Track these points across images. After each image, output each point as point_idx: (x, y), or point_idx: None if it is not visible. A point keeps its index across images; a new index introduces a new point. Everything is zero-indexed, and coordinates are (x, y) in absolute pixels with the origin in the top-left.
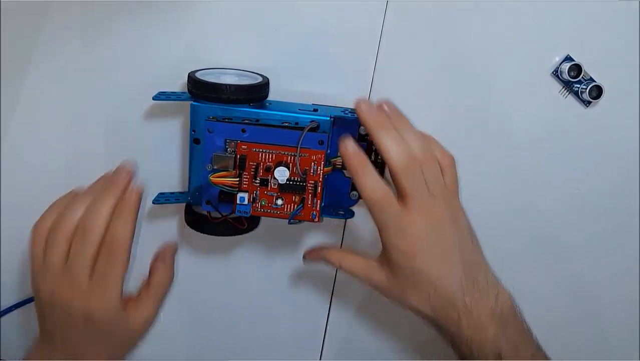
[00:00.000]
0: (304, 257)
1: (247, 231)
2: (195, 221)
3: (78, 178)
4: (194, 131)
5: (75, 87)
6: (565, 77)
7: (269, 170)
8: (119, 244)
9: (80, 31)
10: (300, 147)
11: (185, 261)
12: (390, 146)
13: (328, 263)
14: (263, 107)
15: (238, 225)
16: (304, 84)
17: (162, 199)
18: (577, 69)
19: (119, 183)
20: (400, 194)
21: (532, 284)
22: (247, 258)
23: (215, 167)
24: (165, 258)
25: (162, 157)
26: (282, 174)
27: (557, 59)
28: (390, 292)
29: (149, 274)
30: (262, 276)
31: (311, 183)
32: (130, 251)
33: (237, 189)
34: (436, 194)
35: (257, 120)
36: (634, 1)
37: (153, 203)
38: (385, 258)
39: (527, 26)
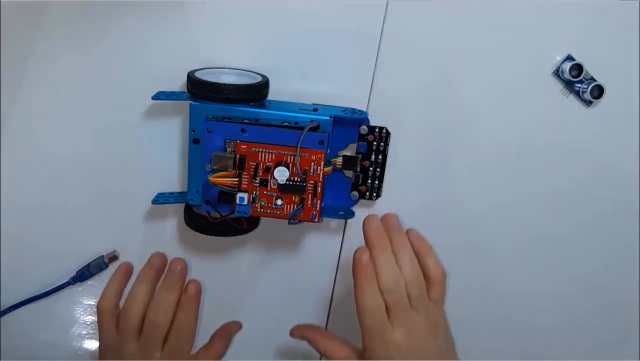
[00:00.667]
0: (290, 333)
1: (247, 232)
2: (195, 221)
3: (78, 178)
4: (193, 130)
5: (74, 86)
6: (567, 77)
7: (269, 170)
8: (186, 331)
9: (80, 30)
10: (300, 147)
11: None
12: (383, 267)
13: (312, 346)
14: (263, 106)
15: (237, 225)
16: (304, 84)
17: (162, 199)
18: (578, 68)
19: (179, 277)
20: (386, 307)
21: (532, 284)
22: (247, 258)
23: (214, 167)
24: (228, 334)
25: (161, 157)
26: (281, 174)
27: (558, 58)
28: None
29: (210, 341)
30: (261, 276)
31: (311, 183)
32: (194, 336)
33: (236, 189)
34: (419, 309)
35: (257, 120)
36: (634, 1)
37: (152, 203)
38: (365, 355)
39: (528, 26)
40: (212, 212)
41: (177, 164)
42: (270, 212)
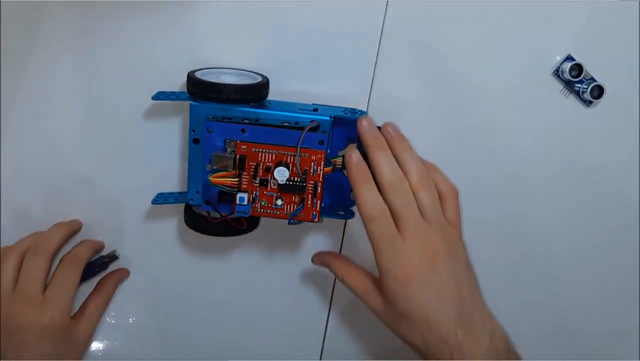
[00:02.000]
0: (312, 259)
1: (247, 232)
2: (195, 221)
3: (78, 178)
4: (193, 130)
5: (74, 86)
6: (567, 77)
7: (269, 170)
8: (78, 260)
9: (80, 30)
10: (300, 147)
11: (185, 261)
12: (383, 164)
13: (331, 272)
14: (263, 107)
15: (237, 225)
16: (304, 84)
17: (161, 199)
18: (578, 68)
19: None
20: (392, 215)
21: (534, 283)
22: (247, 258)
23: (214, 167)
24: (114, 281)
25: (161, 157)
26: (281, 175)
27: (558, 58)
28: (384, 318)
29: (96, 287)
30: (261, 276)
31: (311, 183)
32: (53, 254)
33: (236, 189)
34: (432, 222)
35: (257, 120)
36: (634, 1)
37: (152, 203)
38: (381, 282)
39: (528, 26)
40: (212, 212)
41: (177, 164)
42: (270, 212)
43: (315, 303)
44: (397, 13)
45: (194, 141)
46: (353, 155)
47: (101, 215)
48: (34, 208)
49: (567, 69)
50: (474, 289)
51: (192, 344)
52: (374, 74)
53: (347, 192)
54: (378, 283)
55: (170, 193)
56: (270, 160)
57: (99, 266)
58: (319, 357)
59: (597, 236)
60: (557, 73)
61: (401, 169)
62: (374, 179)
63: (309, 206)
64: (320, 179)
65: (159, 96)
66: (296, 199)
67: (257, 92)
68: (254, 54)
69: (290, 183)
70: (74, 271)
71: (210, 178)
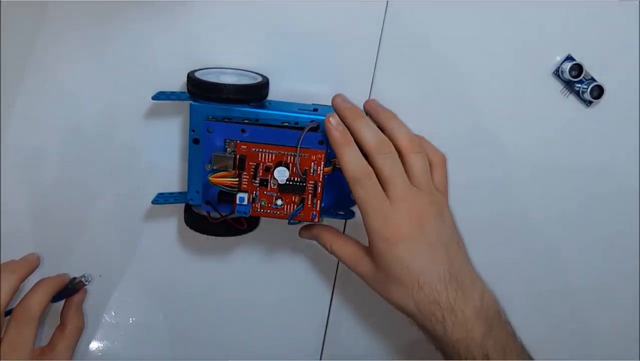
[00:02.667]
0: (299, 234)
1: (247, 232)
2: (195, 221)
3: (77, 179)
4: (193, 131)
5: (73, 86)
6: (566, 77)
7: (269, 170)
8: (31, 314)
9: (79, 31)
10: (300, 147)
11: (184, 261)
12: (364, 129)
13: (319, 243)
14: (263, 107)
15: (237, 225)
16: (304, 84)
17: (161, 199)
18: (578, 68)
19: (27, 261)
20: (380, 179)
21: (533, 283)
22: (247, 258)
23: (214, 167)
24: (77, 306)
25: (161, 157)
26: (281, 175)
27: (558, 58)
28: (374, 282)
29: (61, 322)
30: (261, 276)
31: (311, 183)
32: (37, 323)
33: (236, 189)
34: (421, 187)
35: (257, 120)
36: (634, 1)
37: (152, 203)
38: (371, 247)
39: (528, 26)
40: (212, 212)
41: (177, 164)
42: (270, 212)
43: (315, 303)
44: (397, 13)
45: (194, 141)
46: (331, 119)
47: (101, 215)
48: (34, 207)
49: (567, 69)
50: (462, 252)
51: (192, 344)
52: (374, 74)
53: (347, 192)
54: (367, 250)
55: (171, 193)
56: (270, 160)
57: (66, 294)
58: (319, 357)
59: (597, 235)
60: (557, 73)
61: (388, 137)
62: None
63: (309, 206)
64: (321, 179)
65: (159, 96)
66: (296, 199)
67: (257, 92)
68: (254, 54)
69: (290, 182)
70: (28, 328)
71: (210, 178)
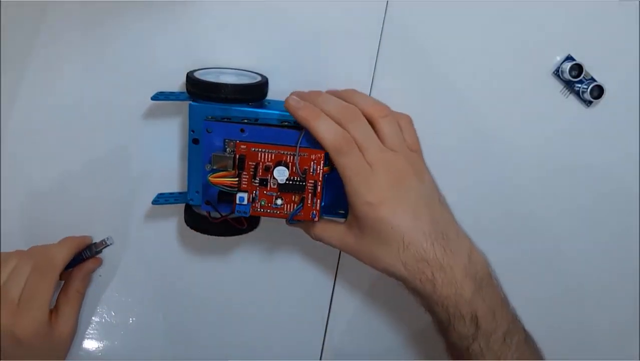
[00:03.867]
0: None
1: (247, 231)
2: (195, 221)
3: (77, 179)
4: (192, 131)
5: (74, 86)
6: (567, 77)
7: (269, 170)
8: (53, 264)
9: (79, 31)
10: (300, 147)
11: (185, 261)
12: (328, 103)
13: (305, 232)
14: (262, 106)
15: (238, 225)
16: (304, 84)
17: (162, 200)
18: (578, 68)
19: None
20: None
21: (533, 283)
22: (247, 257)
23: (214, 167)
24: (85, 273)
25: (161, 157)
26: (281, 174)
27: (558, 58)
28: (360, 252)
29: (65, 285)
30: (262, 276)
31: (311, 183)
32: (57, 276)
33: (236, 189)
34: (396, 148)
35: (256, 119)
36: (634, 1)
37: (152, 203)
38: (353, 216)
39: (528, 26)
40: (213, 212)
41: (177, 164)
42: (270, 212)
43: (315, 303)
44: (397, 13)
45: (194, 141)
46: (290, 100)
47: (101, 215)
48: (34, 207)
49: (567, 69)
50: (446, 210)
51: (192, 343)
52: (374, 74)
53: None
54: (347, 222)
55: (171, 193)
56: (269, 160)
57: (89, 255)
58: (319, 357)
59: (597, 235)
60: (557, 73)
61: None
62: None
63: (309, 205)
64: (320, 179)
65: (158, 96)
66: (296, 198)
67: (256, 91)
68: (254, 53)
69: (290, 182)
70: (48, 279)
71: (210, 178)
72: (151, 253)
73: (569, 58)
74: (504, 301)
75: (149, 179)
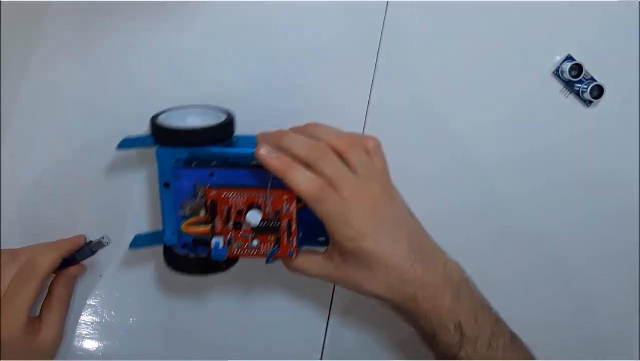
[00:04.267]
0: None
1: (227, 269)
2: (174, 262)
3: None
4: (162, 174)
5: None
6: (566, 77)
7: (242, 213)
8: (35, 271)
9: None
10: (271, 188)
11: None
12: (294, 143)
13: (284, 264)
14: (231, 144)
15: (217, 265)
16: (303, 86)
17: (139, 242)
18: (578, 68)
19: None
20: (330, 185)
21: (533, 284)
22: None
23: (186, 213)
24: (67, 279)
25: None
26: (254, 217)
27: (558, 58)
28: (342, 280)
29: (48, 292)
30: (261, 276)
31: (285, 222)
32: (43, 282)
33: (210, 235)
34: (367, 176)
35: (227, 159)
36: (634, 1)
37: (130, 248)
38: (335, 248)
39: (528, 25)
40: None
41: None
42: (247, 252)
43: (315, 303)
44: (396, 14)
45: (165, 185)
46: (262, 149)
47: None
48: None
49: (567, 69)
50: (418, 225)
51: (192, 343)
52: (373, 74)
53: None
54: (329, 254)
55: (147, 234)
56: (241, 203)
57: (83, 255)
58: (319, 357)
59: (597, 235)
60: (557, 73)
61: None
62: None
63: (285, 243)
64: (294, 217)
65: (124, 143)
66: (272, 238)
67: (223, 132)
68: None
69: (264, 224)
70: (29, 286)
71: (183, 227)
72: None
73: (569, 58)
74: (484, 305)
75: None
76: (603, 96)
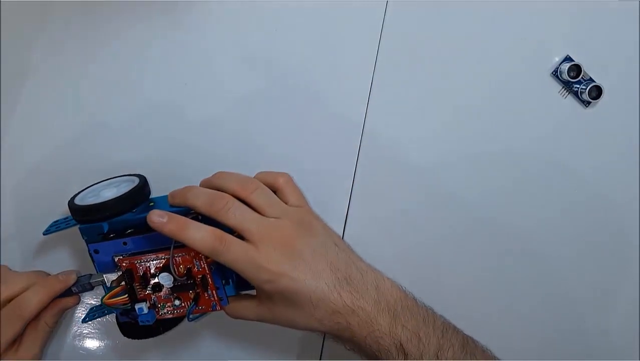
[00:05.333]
0: None
1: (176, 324)
2: (123, 329)
3: None
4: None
5: None
6: (565, 78)
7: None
8: (20, 313)
9: None
10: (176, 248)
11: None
12: (193, 198)
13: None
14: (147, 208)
15: (155, 329)
16: (304, 85)
17: (90, 315)
18: (576, 69)
19: (60, 280)
20: (236, 232)
21: (533, 285)
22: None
23: (109, 285)
24: (59, 308)
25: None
26: (167, 280)
27: (557, 59)
28: (277, 320)
29: (37, 316)
30: None
31: (199, 278)
32: (24, 325)
33: (129, 305)
34: (276, 215)
35: (143, 225)
36: (634, 1)
37: (82, 322)
38: (259, 292)
39: (527, 26)
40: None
41: None
42: (175, 312)
43: None
44: (396, 13)
45: (95, 252)
46: (152, 216)
47: None
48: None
49: (566, 70)
50: (343, 250)
51: (192, 343)
52: (373, 75)
53: None
54: (259, 297)
55: (99, 306)
56: (155, 267)
57: (80, 289)
58: (319, 357)
59: (596, 236)
60: (556, 74)
61: (222, 191)
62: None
63: (206, 298)
64: (208, 271)
65: (50, 229)
66: (192, 295)
67: (132, 199)
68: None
69: (179, 283)
70: (14, 325)
71: (104, 302)
72: None
73: (568, 59)
74: (427, 319)
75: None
76: (601, 96)
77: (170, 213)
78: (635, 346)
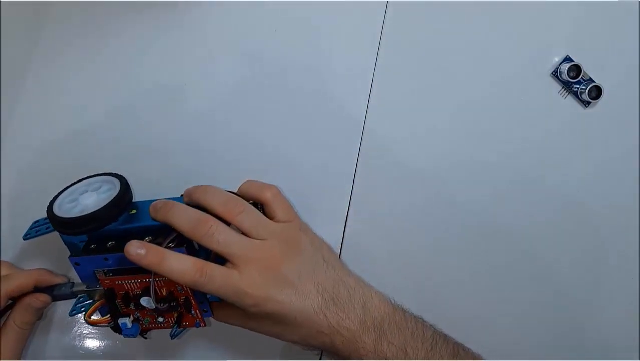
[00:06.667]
0: None
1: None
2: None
3: None
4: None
5: None
6: (565, 78)
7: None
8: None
9: None
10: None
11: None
12: (177, 220)
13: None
14: (130, 218)
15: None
16: (303, 84)
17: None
18: (576, 69)
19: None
20: (222, 255)
21: (533, 286)
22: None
23: (90, 299)
24: (25, 307)
25: None
26: (148, 303)
27: (557, 59)
28: (264, 332)
29: (7, 316)
30: None
31: (182, 299)
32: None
33: (112, 323)
34: (263, 236)
35: (124, 235)
36: (634, 1)
37: (70, 315)
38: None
39: (526, 26)
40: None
41: None
42: (158, 325)
43: None
44: (396, 13)
45: (76, 264)
46: (130, 248)
47: None
48: None
49: (566, 70)
50: (332, 267)
51: (192, 342)
52: (373, 75)
53: None
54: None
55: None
56: (136, 287)
57: (61, 295)
58: (319, 357)
59: (595, 237)
60: (556, 74)
61: (207, 210)
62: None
63: (190, 317)
64: (190, 293)
65: (29, 233)
66: (175, 314)
67: (114, 210)
68: None
69: (161, 305)
70: None
71: (88, 322)
72: None
73: (568, 59)
74: (415, 333)
75: None
76: (601, 96)
77: (147, 243)
78: (635, 346)
